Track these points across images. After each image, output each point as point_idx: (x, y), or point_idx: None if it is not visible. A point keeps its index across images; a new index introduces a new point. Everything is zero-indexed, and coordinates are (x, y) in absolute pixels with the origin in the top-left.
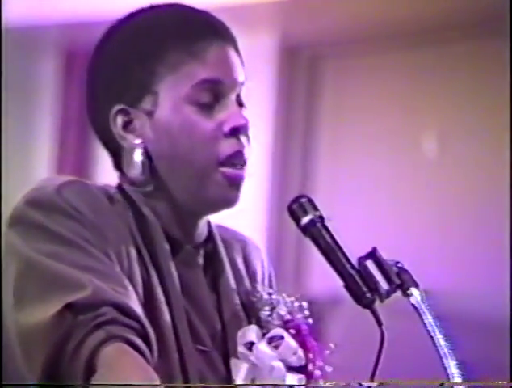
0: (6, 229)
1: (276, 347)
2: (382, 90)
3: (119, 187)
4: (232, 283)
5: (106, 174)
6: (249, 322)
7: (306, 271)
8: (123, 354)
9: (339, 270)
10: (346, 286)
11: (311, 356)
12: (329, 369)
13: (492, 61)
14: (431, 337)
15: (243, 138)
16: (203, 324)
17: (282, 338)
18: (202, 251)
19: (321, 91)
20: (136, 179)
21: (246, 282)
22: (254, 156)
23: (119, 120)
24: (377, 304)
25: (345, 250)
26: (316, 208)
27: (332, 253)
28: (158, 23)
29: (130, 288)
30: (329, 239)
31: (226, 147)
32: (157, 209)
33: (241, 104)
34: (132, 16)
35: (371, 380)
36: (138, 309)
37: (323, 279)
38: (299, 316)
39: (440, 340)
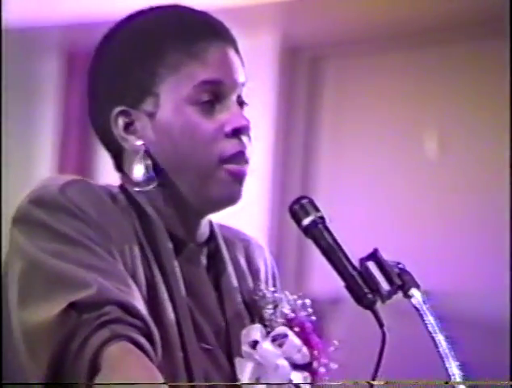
0: (10, 228)
1: (280, 346)
2: (383, 90)
3: (122, 187)
4: (235, 282)
5: (107, 174)
6: (252, 321)
7: (307, 272)
8: (128, 353)
9: (340, 271)
10: (348, 287)
11: (315, 353)
12: (333, 366)
13: (492, 61)
14: (432, 338)
15: (244, 139)
16: (206, 322)
17: (286, 336)
18: (205, 250)
19: (322, 91)
20: (138, 180)
21: (249, 281)
22: (256, 156)
23: (121, 121)
24: (378, 305)
25: (346, 251)
26: (317, 209)
27: (333, 254)
28: (158, 24)
29: (134, 286)
30: (330, 240)
31: (228, 147)
32: (160, 209)
33: (241, 104)
34: (132, 18)
35: (373, 380)
36: (142, 308)
37: (324, 280)
38: (302, 314)
39: (441, 341)
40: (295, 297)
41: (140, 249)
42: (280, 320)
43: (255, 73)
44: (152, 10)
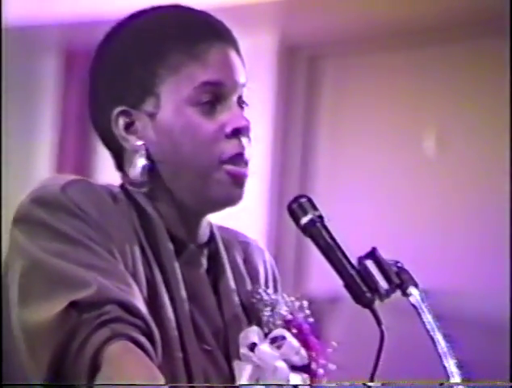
0: (11, 228)
1: (278, 348)
2: (382, 89)
3: (123, 187)
4: (232, 284)
5: (106, 173)
6: (250, 323)
7: (306, 270)
8: (128, 352)
9: (339, 270)
10: (346, 286)
11: (314, 354)
12: (332, 367)
13: (492, 59)
14: (431, 336)
15: (244, 139)
16: (206, 324)
17: (284, 338)
18: (205, 252)
19: (320, 90)
20: (138, 179)
21: (247, 283)
22: (254, 154)
23: (121, 121)
24: (377, 303)
25: (345, 249)
26: (315, 208)
27: (332, 253)
28: (159, 24)
29: (134, 286)
30: (328, 239)
31: (228, 148)
32: (161, 209)
33: (242, 105)
34: (133, 17)
35: (371, 379)
36: (143, 308)
37: (323, 278)
38: (300, 315)
39: (440, 340)
40: (292, 298)
41: (140, 249)
42: (278, 322)
43: (253, 72)
44: (153, 10)
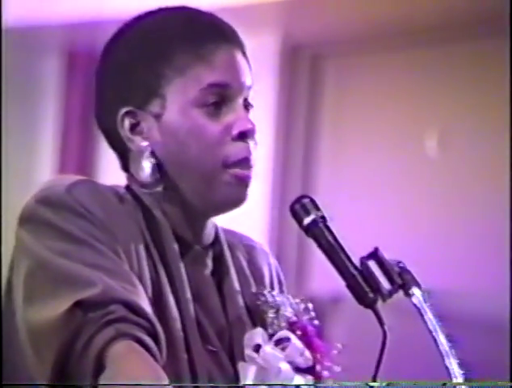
0: (17, 227)
1: (283, 349)
2: (384, 88)
3: (128, 188)
4: (237, 286)
5: (109, 174)
6: (254, 325)
7: (308, 271)
8: (132, 352)
9: (341, 270)
10: (349, 286)
11: (318, 356)
12: (337, 369)
13: (493, 59)
14: (433, 337)
15: (250, 142)
16: (211, 324)
17: (288, 340)
18: (210, 253)
19: (322, 90)
20: (143, 180)
21: (252, 285)
22: (256, 154)
23: (127, 122)
24: (379, 304)
25: (347, 250)
26: (318, 209)
27: (334, 253)
28: (166, 25)
29: (139, 286)
30: (331, 239)
31: (233, 152)
32: (166, 210)
33: (248, 107)
34: (139, 19)
35: (374, 380)
36: (147, 308)
37: (325, 279)
38: (305, 317)
39: (442, 340)
40: (297, 300)
41: (146, 250)
42: (283, 324)
43: (256, 72)
44: (159, 11)
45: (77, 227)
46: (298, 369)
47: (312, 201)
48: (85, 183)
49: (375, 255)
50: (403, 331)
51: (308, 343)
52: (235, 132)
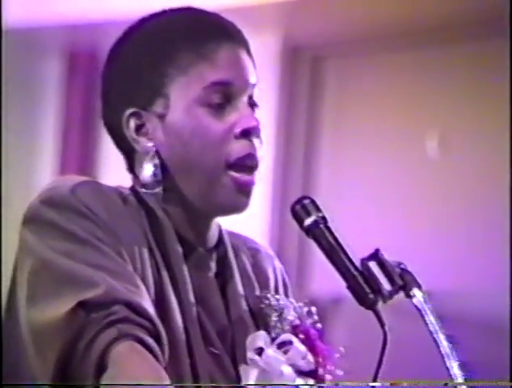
0: (21, 227)
1: (285, 353)
2: (385, 89)
3: (133, 189)
4: (241, 288)
5: (109, 174)
6: (257, 328)
7: (309, 272)
8: (134, 352)
9: (342, 271)
10: (349, 287)
11: (321, 360)
12: (339, 372)
13: (495, 60)
14: (434, 338)
15: (255, 140)
16: (213, 327)
17: (291, 343)
18: (214, 255)
19: (323, 91)
20: (148, 181)
21: (256, 288)
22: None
23: (132, 123)
24: (380, 305)
25: (348, 251)
26: (318, 210)
27: (335, 254)
28: (169, 25)
29: (142, 287)
30: (331, 240)
31: (237, 149)
32: (170, 212)
33: (253, 106)
34: (144, 20)
35: (374, 381)
36: (150, 309)
37: (326, 280)
38: (308, 321)
39: (443, 341)
40: (301, 304)
41: (149, 252)
42: (286, 327)
43: (257, 73)
44: (164, 12)
45: (80, 228)
46: (300, 373)
47: (313, 202)
48: (89, 183)
49: (375, 256)
50: (404, 332)
51: (311, 347)
52: (238, 130)
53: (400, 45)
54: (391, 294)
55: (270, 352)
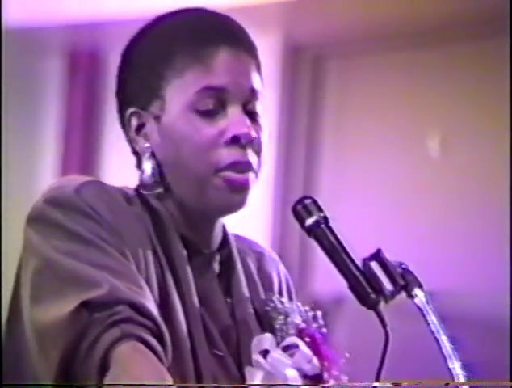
0: (25, 227)
1: (291, 356)
2: (386, 90)
3: (138, 190)
4: (246, 291)
5: (111, 174)
6: (263, 331)
7: (310, 272)
8: (137, 353)
9: (344, 271)
10: (351, 287)
11: (326, 364)
12: (344, 378)
13: (496, 60)
14: (435, 338)
15: (247, 147)
16: (217, 329)
17: (297, 346)
18: (218, 257)
19: (324, 91)
20: (146, 182)
21: (260, 291)
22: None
23: (134, 122)
24: (382, 305)
25: (349, 251)
26: (320, 209)
27: (336, 254)
28: (171, 27)
29: (146, 288)
30: (333, 240)
31: (226, 155)
32: (173, 213)
33: (251, 113)
34: (155, 21)
35: (376, 381)
36: (153, 309)
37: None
38: (313, 325)
39: (444, 341)
40: (307, 308)
41: (153, 252)
42: (291, 331)
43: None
44: (173, 13)
45: (84, 228)
46: (305, 377)
47: (315, 202)
48: (93, 184)
49: (377, 256)
50: (405, 332)
51: (317, 351)
52: (228, 136)
53: (401, 45)
54: (393, 294)
55: (276, 354)
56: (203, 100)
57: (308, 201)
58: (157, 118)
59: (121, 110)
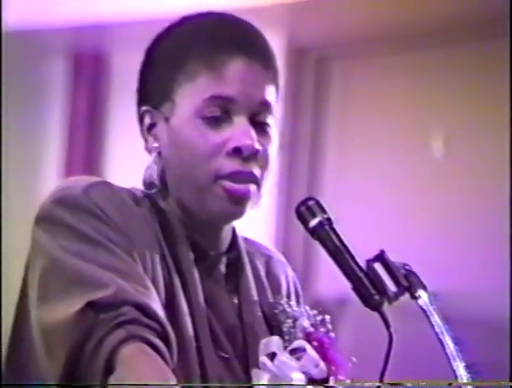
0: (33, 227)
1: (298, 359)
2: (389, 90)
3: (146, 191)
4: (254, 293)
5: (114, 174)
6: (271, 333)
7: (314, 273)
8: (142, 354)
9: (347, 272)
10: (355, 288)
11: (333, 369)
12: (347, 380)
13: (498, 61)
14: (439, 339)
15: (250, 158)
16: (224, 331)
17: (304, 350)
18: (224, 259)
19: (328, 92)
20: (149, 181)
21: (269, 294)
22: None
23: (146, 120)
24: (385, 306)
25: (353, 252)
26: (324, 211)
27: (340, 255)
28: (190, 30)
29: (152, 289)
30: (337, 242)
31: (227, 165)
32: (180, 216)
33: (260, 124)
34: (179, 21)
35: (380, 381)
36: (159, 311)
37: (331, 281)
38: (321, 329)
39: (448, 342)
40: (315, 312)
41: (160, 255)
42: (299, 335)
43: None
44: (198, 15)
45: (92, 228)
46: (312, 381)
47: (318, 203)
48: (102, 184)
49: (381, 257)
50: (409, 333)
51: (324, 355)
52: (230, 146)
53: (404, 47)
54: (396, 295)
55: (283, 357)
56: (210, 108)
57: (311, 202)
58: (167, 119)
59: (138, 106)
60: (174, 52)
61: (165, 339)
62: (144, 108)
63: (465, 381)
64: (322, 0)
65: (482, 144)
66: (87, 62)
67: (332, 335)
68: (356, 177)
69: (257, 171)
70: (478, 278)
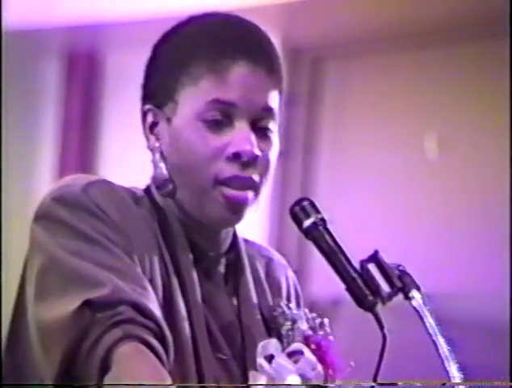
0: (32, 225)
1: (296, 362)
2: (385, 91)
3: (146, 190)
4: (253, 293)
5: (108, 175)
6: (269, 335)
7: (308, 274)
8: (138, 353)
9: (341, 273)
10: (348, 289)
11: (331, 372)
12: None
13: (495, 61)
14: (433, 340)
15: (250, 164)
16: (221, 332)
17: (302, 353)
18: (224, 260)
19: (323, 92)
20: (165, 179)
21: (268, 296)
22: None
23: (149, 119)
24: (379, 307)
25: (347, 253)
26: (318, 211)
27: (334, 256)
28: (196, 31)
29: (150, 289)
30: (331, 242)
31: (226, 170)
32: (180, 216)
33: (262, 130)
34: (186, 20)
35: (374, 381)
36: (156, 311)
37: (325, 282)
38: (320, 333)
39: (441, 343)
40: (314, 315)
41: (159, 255)
42: (298, 337)
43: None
44: (205, 15)
45: (90, 227)
46: (309, 384)
47: (312, 204)
48: (101, 183)
49: (374, 257)
50: (403, 334)
51: (322, 359)
52: (230, 151)
53: (400, 46)
54: (390, 296)
55: (280, 360)
56: (211, 111)
57: (305, 203)
58: (169, 120)
59: (142, 102)
60: (179, 52)
61: (161, 339)
62: (147, 106)
63: (458, 381)
64: (317, 0)
65: (482, 144)
66: (82, 62)
67: (330, 338)
68: (351, 177)
69: (256, 177)
70: (478, 280)
